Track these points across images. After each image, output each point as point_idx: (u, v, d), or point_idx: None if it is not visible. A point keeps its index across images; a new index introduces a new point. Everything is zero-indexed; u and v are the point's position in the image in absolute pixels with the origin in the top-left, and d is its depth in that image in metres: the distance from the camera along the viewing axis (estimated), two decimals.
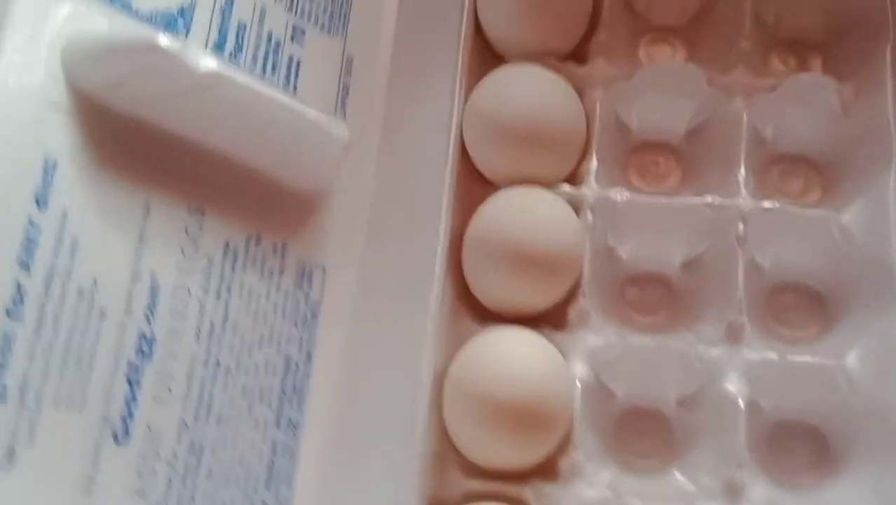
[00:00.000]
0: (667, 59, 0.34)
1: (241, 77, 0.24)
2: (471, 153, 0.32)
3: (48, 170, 0.21)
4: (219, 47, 0.26)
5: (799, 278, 0.31)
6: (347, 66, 0.31)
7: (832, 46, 0.34)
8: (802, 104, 0.32)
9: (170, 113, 0.24)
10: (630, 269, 0.32)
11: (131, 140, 0.23)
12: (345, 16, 0.31)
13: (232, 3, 0.27)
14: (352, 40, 0.31)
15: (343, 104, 0.31)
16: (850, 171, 0.31)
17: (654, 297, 0.32)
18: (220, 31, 0.26)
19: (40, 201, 0.21)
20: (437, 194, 0.31)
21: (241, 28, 0.27)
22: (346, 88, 0.31)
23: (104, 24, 0.23)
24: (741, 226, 0.30)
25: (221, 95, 0.23)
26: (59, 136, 0.22)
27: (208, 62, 0.22)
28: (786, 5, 0.33)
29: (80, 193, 0.22)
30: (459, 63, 0.32)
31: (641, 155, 0.34)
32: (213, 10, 0.26)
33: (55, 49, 0.22)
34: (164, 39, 0.22)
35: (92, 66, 0.22)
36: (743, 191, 0.30)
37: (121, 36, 0.23)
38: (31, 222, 0.21)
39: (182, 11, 0.25)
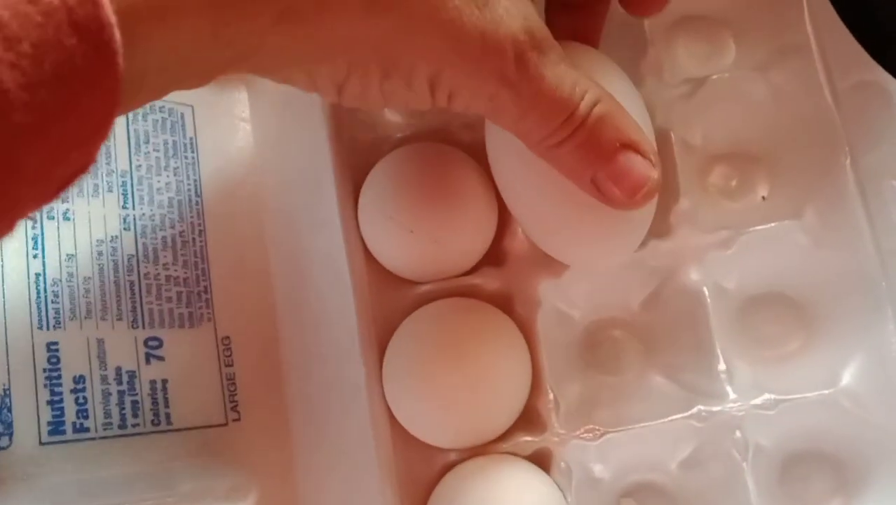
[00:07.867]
0: None
1: None
2: None
3: None
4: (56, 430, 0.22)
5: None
6: (225, 351, 0.26)
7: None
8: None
9: None
10: None
11: None
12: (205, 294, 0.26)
13: (59, 374, 0.22)
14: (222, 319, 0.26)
15: (233, 400, 0.26)
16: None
17: None
18: (50, 407, 0.22)
19: None
20: None
21: (79, 380, 0.22)
22: (230, 379, 0.26)
23: None
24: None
25: None
26: None
27: None
28: None
29: None
30: None
31: None
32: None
33: None
34: None
35: None
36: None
37: None
38: None
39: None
